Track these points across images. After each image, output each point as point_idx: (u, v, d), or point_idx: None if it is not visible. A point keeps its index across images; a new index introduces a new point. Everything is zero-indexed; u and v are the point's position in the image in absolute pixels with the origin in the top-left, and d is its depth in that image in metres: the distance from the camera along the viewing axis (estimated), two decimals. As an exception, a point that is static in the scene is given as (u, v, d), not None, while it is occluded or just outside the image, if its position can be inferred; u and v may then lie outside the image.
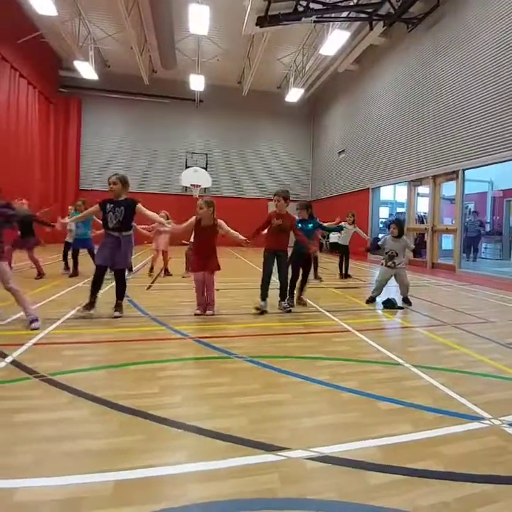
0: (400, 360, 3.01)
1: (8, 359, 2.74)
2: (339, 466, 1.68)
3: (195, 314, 4.37)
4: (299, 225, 5.06)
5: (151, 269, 7.50)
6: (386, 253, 5.26)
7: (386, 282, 5.36)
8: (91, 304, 4.16)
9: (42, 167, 15.33)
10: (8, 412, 2.01)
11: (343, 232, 8.09)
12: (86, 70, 14.20)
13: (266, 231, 4.77)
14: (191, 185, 17.64)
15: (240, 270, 8.78)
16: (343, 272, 8.23)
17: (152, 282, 6.66)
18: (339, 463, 1.70)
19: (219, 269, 4.50)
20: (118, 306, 4.23)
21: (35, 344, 3.14)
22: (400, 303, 5.24)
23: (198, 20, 10.89)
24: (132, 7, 11.73)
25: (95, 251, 4.73)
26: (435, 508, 1.45)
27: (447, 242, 11.40)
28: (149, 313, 4.39)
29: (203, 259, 4.41)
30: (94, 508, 1.38)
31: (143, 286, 6.22)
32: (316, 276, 7.76)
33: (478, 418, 2.12)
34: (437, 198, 10.91)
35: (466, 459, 1.75)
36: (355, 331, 3.89)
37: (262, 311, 4.57)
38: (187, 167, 18.20)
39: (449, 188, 11.01)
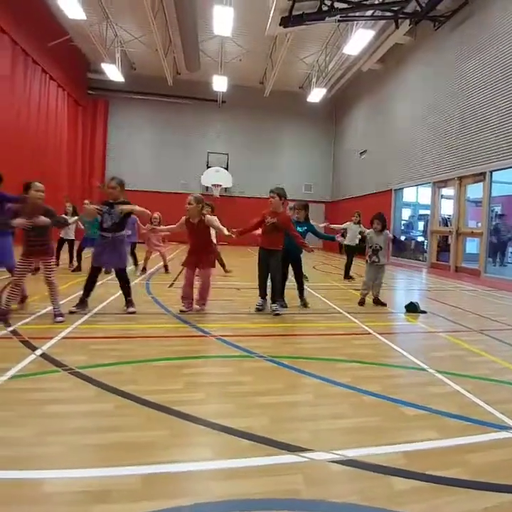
0: (424, 366, 2.95)
1: (38, 352, 2.85)
2: (362, 470, 1.66)
3: (180, 311, 4.37)
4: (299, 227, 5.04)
5: (166, 268, 7.64)
6: (370, 247, 5.26)
7: (374, 280, 5.32)
8: (83, 302, 4.23)
9: (69, 167, 15.81)
10: (38, 403, 2.09)
11: (348, 232, 7.95)
12: (113, 72, 14.56)
13: (260, 230, 4.72)
14: (212, 185, 17.80)
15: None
16: (344, 273, 8.07)
17: (174, 280, 6.77)
18: (362, 467, 1.68)
19: (213, 266, 4.54)
20: (128, 303, 4.34)
21: (63, 338, 3.25)
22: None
23: (222, 22, 10.98)
24: (158, 10, 11.93)
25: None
26: (462, 517, 1.42)
27: (472, 245, 11.07)
28: (172, 310, 4.46)
29: (195, 256, 4.43)
30: (122, 500, 1.41)
31: (165, 284, 6.33)
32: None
33: (505, 427, 2.06)
34: (462, 200, 10.61)
35: (493, 468, 1.70)
36: (376, 333, 3.84)
37: (259, 309, 4.60)
38: (208, 167, 18.37)
39: (474, 190, 10.69)
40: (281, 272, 4.78)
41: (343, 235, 8.09)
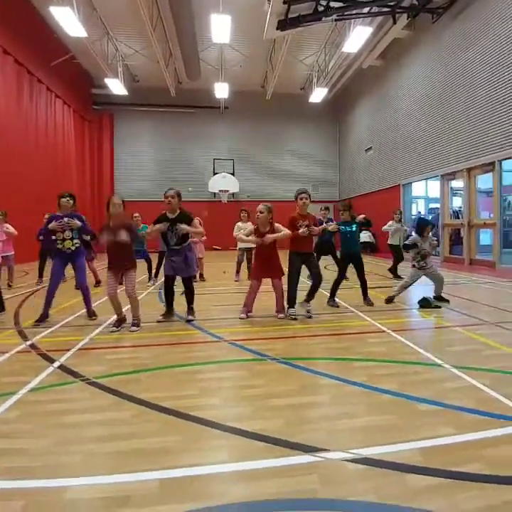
0: (440, 361, 2.92)
1: (56, 364, 2.92)
2: (378, 468, 1.66)
3: (240, 318, 4.44)
4: (343, 227, 5.10)
5: (201, 275, 7.70)
6: (418, 253, 5.11)
7: (414, 281, 5.24)
8: (169, 312, 4.46)
9: (78, 180, 16.12)
10: (57, 414, 2.14)
11: (393, 231, 7.94)
12: (116, 86, 14.84)
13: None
14: (219, 190, 17.92)
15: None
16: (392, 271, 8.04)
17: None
18: (378, 465, 1.68)
19: (283, 274, 4.52)
20: (189, 310, 4.48)
21: (79, 349, 3.32)
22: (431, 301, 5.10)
23: (220, 29, 11.10)
24: (156, 23, 12.13)
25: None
26: (481, 511, 1.40)
27: (486, 237, 10.87)
28: (184, 317, 4.51)
29: (267, 265, 4.45)
30: (141, 505, 1.44)
31: (178, 292, 6.36)
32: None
33: (526, 421, 2.03)
34: (473, 191, 10.45)
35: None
36: (390, 331, 3.81)
37: (295, 318, 4.45)
38: (215, 173, 18.51)
39: (485, 181, 10.52)
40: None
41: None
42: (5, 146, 10.64)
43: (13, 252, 7.02)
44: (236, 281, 7.57)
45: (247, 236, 4.51)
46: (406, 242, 5.31)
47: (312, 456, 1.73)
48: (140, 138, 18.67)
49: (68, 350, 3.26)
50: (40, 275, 7.25)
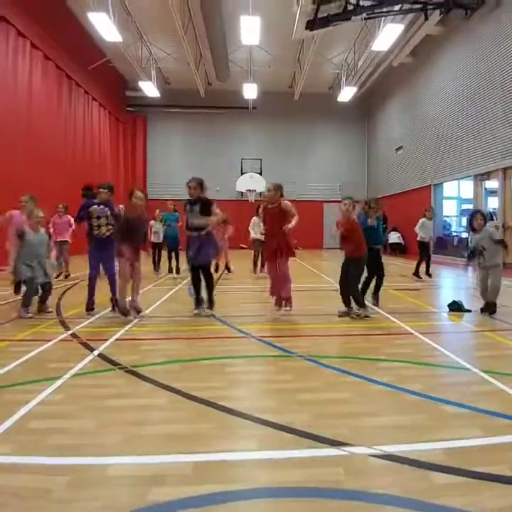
0: (468, 365, 2.89)
1: (95, 352, 3.13)
2: (402, 465, 1.69)
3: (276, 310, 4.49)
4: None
5: (217, 267, 7.80)
6: (472, 251, 4.65)
7: (487, 284, 4.58)
8: (198, 302, 4.55)
9: (113, 180, 16.67)
10: (99, 398, 2.31)
11: (422, 228, 7.89)
12: (149, 88, 15.33)
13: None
14: (247, 190, 18.11)
15: (298, 273, 8.82)
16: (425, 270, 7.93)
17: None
18: (403, 461, 1.71)
19: (291, 254, 4.40)
20: (209, 302, 4.56)
21: (117, 340, 3.53)
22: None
23: (250, 31, 11.23)
24: (187, 25, 12.42)
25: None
26: (505, 511, 1.42)
27: (522, 240, 10.42)
28: (213, 313, 4.63)
29: (275, 243, 4.37)
30: (177, 484, 1.56)
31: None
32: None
33: (555, 426, 2.00)
34: (509, 192, 10.06)
35: (539, 466, 1.67)
36: (418, 333, 3.78)
37: (340, 315, 4.48)
38: (242, 173, 18.70)
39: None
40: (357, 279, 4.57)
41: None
42: (46, 147, 11.23)
43: (69, 240, 7.54)
44: (255, 275, 7.62)
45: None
46: (470, 250, 4.71)
47: (338, 450, 1.80)
48: (171, 138, 19.17)
49: (106, 340, 3.47)
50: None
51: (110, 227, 4.50)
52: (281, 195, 4.41)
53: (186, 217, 4.48)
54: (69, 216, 7.40)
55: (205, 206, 4.42)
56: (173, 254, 7.88)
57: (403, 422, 2.05)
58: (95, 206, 4.48)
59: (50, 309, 4.66)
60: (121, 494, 1.51)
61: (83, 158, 13.70)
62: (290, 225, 4.21)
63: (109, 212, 4.48)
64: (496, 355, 3.19)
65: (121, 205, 7.49)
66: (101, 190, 4.61)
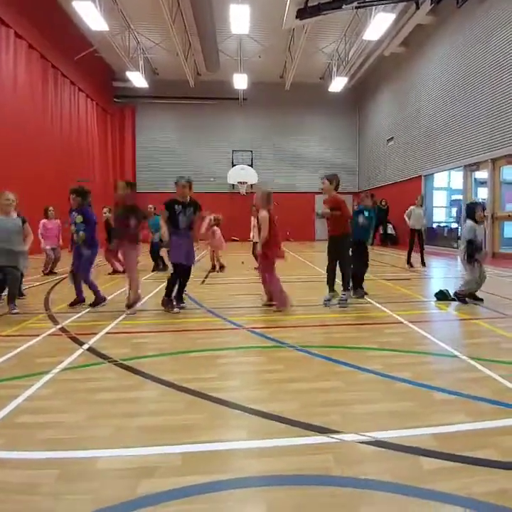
0: (456, 352, 2.93)
1: (85, 346, 3.10)
2: (392, 451, 1.72)
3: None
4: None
5: (213, 266, 7.84)
6: (473, 244, 4.55)
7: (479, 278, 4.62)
8: (178, 301, 4.48)
9: (102, 172, 16.49)
10: (88, 392, 2.29)
11: (412, 216, 7.95)
12: (137, 79, 15.01)
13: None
14: (238, 182, 17.98)
15: (290, 264, 8.83)
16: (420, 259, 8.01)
17: (205, 277, 6.97)
18: (392, 448, 1.73)
19: (267, 261, 4.43)
20: (179, 298, 4.51)
21: (107, 333, 3.49)
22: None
23: (239, 20, 11.04)
24: (176, 14, 12.17)
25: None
26: (492, 495, 1.43)
27: (509, 230, 10.56)
28: (204, 305, 4.64)
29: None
30: (166, 475, 1.56)
31: (197, 281, 6.53)
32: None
33: (541, 411, 2.04)
34: (497, 183, 10.15)
35: (526, 450, 1.71)
36: (407, 322, 3.82)
37: (326, 304, 4.57)
38: (233, 165, 18.55)
39: (510, 172, 10.18)
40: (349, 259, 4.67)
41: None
42: (30, 139, 10.96)
43: (61, 244, 7.42)
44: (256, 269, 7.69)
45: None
46: (469, 239, 4.51)
47: (327, 437, 1.81)
48: (160, 130, 18.86)
49: (96, 333, 3.44)
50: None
51: (81, 233, 4.32)
52: (269, 203, 4.42)
53: (175, 218, 4.27)
54: (59, 221, 7.27)
55: (198, 209, 4.41)
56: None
57: (392, 409, 2.08)
58: (72, 213, 4.41)
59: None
60: (111, 487, 1.51)
61: (70, 151, 13.43)
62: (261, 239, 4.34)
63: (77, 219, 4.33)
64: (483, 342, 3.23)
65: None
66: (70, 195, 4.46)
